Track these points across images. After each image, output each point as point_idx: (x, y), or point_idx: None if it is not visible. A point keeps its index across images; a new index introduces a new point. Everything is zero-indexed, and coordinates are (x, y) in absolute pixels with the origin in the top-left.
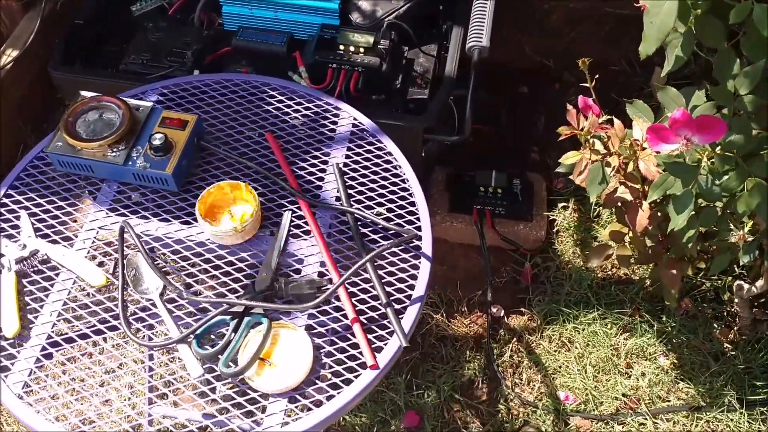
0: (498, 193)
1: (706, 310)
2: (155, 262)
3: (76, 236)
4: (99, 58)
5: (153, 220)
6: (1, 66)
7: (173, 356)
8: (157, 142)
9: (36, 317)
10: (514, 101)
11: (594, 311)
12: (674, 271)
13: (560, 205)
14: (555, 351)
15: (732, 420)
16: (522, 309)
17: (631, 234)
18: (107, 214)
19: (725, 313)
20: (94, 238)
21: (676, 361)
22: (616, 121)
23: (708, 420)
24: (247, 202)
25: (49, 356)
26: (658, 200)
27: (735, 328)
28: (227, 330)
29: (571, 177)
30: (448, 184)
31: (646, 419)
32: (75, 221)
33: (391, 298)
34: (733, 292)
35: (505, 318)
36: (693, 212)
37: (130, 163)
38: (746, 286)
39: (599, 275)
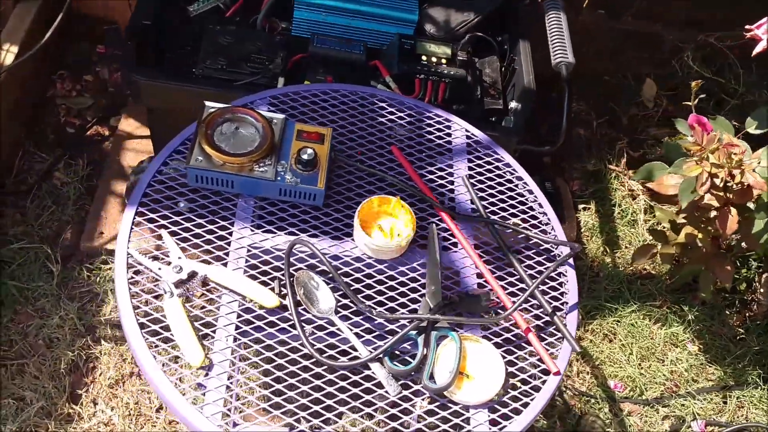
0: None
1: (718, 299)
2: (329, 277)
3: (227, 255)
4: (163, 61)
5: (302, 237)
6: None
7: (365, 374)
8: (306, 157)
9: (212, 343)
10: None
11: (631, 305)
12: (729, 268)
13: (581, 206)
14: (600, 343)
15: (754, 396)
16: None
17: (676, 236)
18: (252, 230)
19: (736, 302)
20: (246, 256)
21: (701, 346)
22: (727, 136)
23: (737, 397)
24: (393, 215)
25: (235, 382)
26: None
27: (747, 315)
28: (411, 345)
29: (650, 185)
30: None
31: (686, 400)
32: (220, 239)
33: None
34: (753, 282)
35: None
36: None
37: (278, 178)
38: None
39: (627, 271)
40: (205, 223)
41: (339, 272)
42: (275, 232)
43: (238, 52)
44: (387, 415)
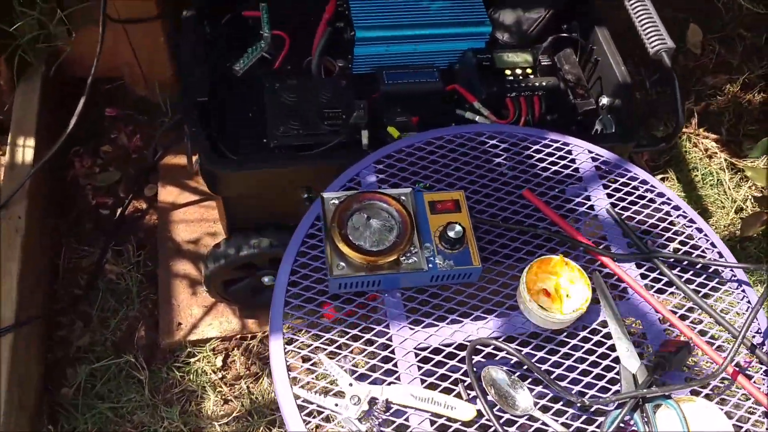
0: None
1: None
2: (518, 366)
3: (395, 365)
4: (225, 137)
5: (483, 337)
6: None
7: None
8: (454, 235)
9: None
10: None
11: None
12: None
13: (658, 177)
14: None
15: None
16: None
17: None
18: (412, 328)
19: None
20: (417, 363)
21: None
22: None
23: None
24: (554, 274)
25: None
26: None
27: None
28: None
29: None
30: None
31: None
32: (382, 347)
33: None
34: None
35: None
36: None
37: (430, 266)
38: None
39: (727, 235)
40: (358, 333)
41: (521, 355)
42: (435, 324)
43: (307, 109)
44: None
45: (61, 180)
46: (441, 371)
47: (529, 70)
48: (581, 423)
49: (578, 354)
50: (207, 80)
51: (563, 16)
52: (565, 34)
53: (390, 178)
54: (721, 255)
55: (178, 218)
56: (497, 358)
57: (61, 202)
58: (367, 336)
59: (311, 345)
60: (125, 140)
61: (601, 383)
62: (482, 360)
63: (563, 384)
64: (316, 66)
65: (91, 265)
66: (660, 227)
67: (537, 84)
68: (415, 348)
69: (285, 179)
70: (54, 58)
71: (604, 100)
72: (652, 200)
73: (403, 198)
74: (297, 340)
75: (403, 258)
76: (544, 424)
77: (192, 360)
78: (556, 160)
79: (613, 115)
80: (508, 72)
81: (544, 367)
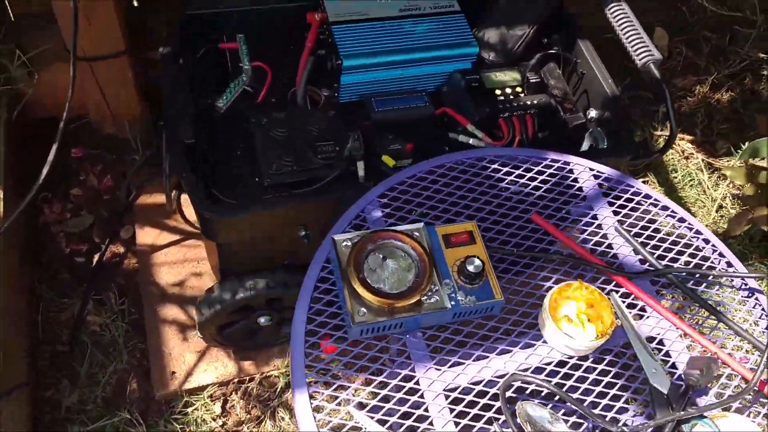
0: None
1: None
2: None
3: (426, 410)
4: (215, 176)
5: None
6: None
7: None
8: (474, 269)
9: None
10: None
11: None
12: None
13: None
14: None
15: None
16: None
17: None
18: (438, 369)
19: None
20: (447, 405)
21: None
22: None
23: None
24: (572, 299)
25: None
26: None
27: None
28: None
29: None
30: None
31: None
32: (410, 392)
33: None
34: None
35: None
36: None
37: (452, 303)
38: None
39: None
40: (385, 379)
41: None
42: (461, 362)
43: (299, 143)
44: None
45: (33, 228)
46: (473, 411)
47: (519, 89)
48: None
49: (606, 379)
50: (192, 122)
51: (545, 31)
52: (553, 51)
53: (396, 212)
54: (730, 264)
55: (160, 261)
56: (527, 391)
57: (35, 251)
58: (394, 381)
59: (338, 397)
60: (95, 181)
61: (633, 408)
62: (513, 395)
63: (597, 412)
64: (302, 97)
65: (71, 317)
66: (669, 241)
67: (528, 102)
68: (444, 390)
69: (284, 219)
70: (16, 101)
71: (593, 113)
72: (657, 214)
73: (416, 234)
74: (320, 393)
75: (425, 297)
76: None
77: (189, 409)
78: (559, 181)
79: (603, 128)
80: (498, 92)
81: (576, 395)
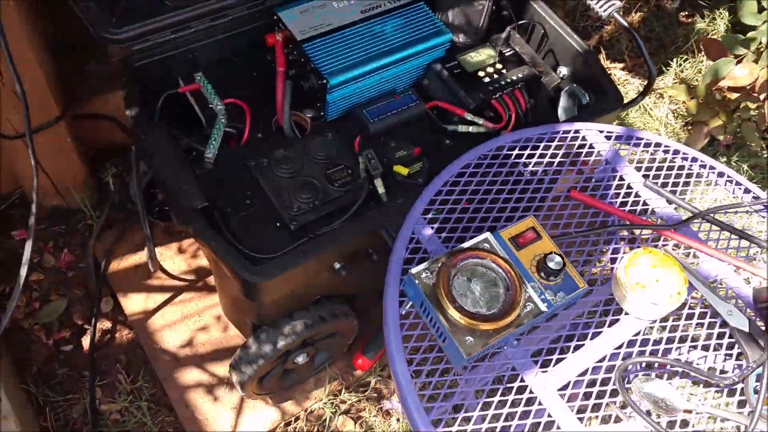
0: None
1: None
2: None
3: (551, 416)
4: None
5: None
6: None
7: None
8: (554, 266)
9: None
10: None
11: None
12: None
13: None
14: None
15: None
16: None
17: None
18: (544, 371)
19: None
20: (567, 404)
21: None
22: None
23: None
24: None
25: None
26: None
27: None
28: None
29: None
30: None
31: None
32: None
33: None
34: None
35: None
36: None
37: (546, 305)
38: None
39: None
40: (502, 398)
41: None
42: (560, 357)
43: (310, 176)
44: None
45: (4, 336)
46: (591, 402)
47: (499, 65)
48: (725, 398)
49: (691, 332)
50: (197, 184)
51: None
52: (524, 21)
53: (444, 224)
54: (747, 191)
55: (158, 325)
56: (628, 367)
57: (17, 359)
58: (510, 397)
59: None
60: (53, 260)
61: (722, 352)
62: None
63: (695, 366)
64: (288, 126)
65: (84, 413)
66: (690, 183)
67: (515, 78)
68: (557, 390)
69: (326, 260)
70: None
71: (564, 71)
72: (673, 160)
73: (487, 245)
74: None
75: (523, 309)
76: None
77: None
78: (578, 150)
79: (580, 84)
80: (481, 74)
81: (672, 357)
